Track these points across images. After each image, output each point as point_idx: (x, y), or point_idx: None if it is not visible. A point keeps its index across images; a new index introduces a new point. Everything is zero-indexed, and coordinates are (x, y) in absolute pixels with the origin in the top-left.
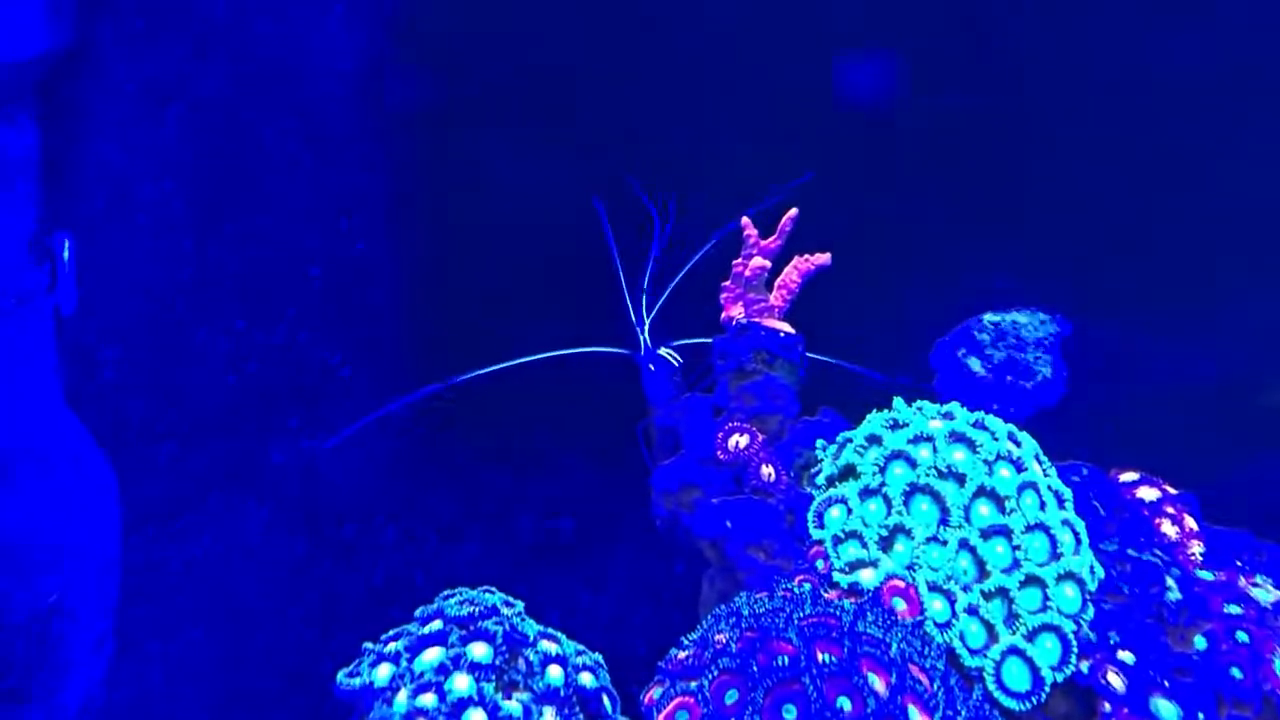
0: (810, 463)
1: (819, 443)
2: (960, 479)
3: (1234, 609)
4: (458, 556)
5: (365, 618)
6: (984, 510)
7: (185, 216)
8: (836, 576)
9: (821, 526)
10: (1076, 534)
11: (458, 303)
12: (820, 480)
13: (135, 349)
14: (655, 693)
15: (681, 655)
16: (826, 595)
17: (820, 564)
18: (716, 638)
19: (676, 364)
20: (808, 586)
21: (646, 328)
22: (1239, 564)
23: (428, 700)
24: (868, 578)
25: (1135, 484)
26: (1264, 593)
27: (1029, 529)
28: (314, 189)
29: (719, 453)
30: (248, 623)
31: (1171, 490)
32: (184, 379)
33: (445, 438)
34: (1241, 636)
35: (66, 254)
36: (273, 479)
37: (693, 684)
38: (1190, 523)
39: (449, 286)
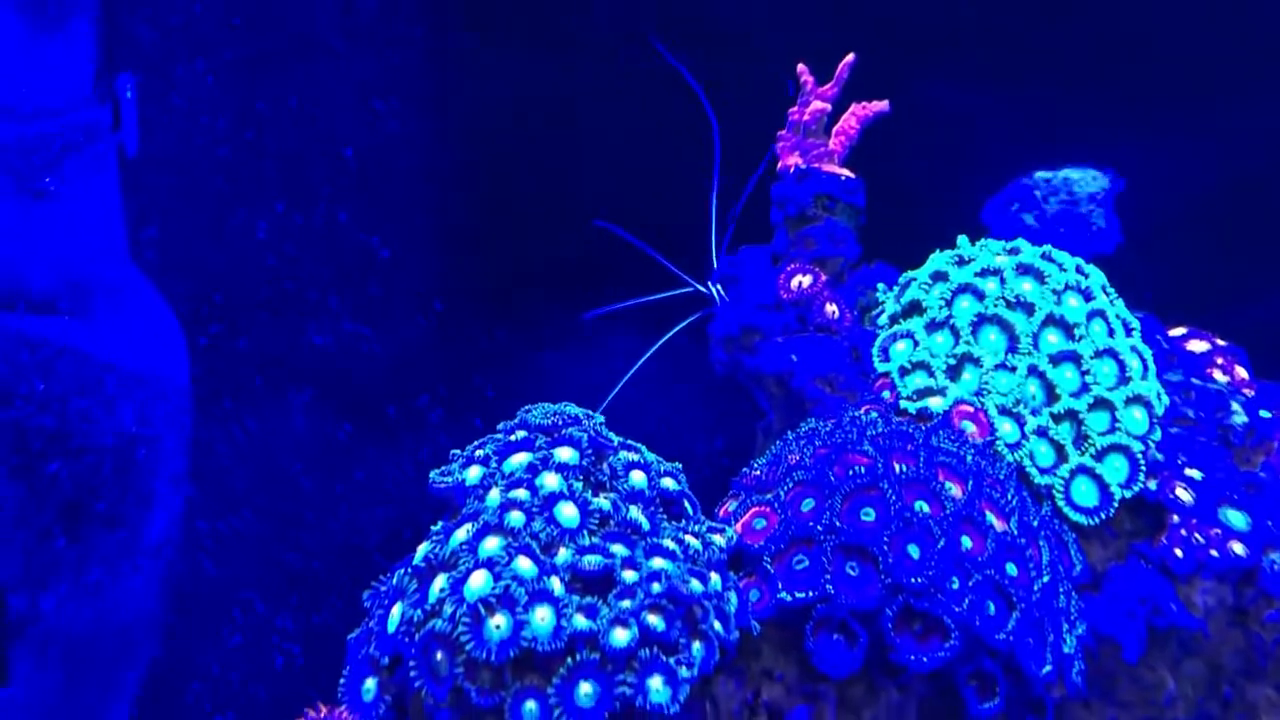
0: (871, 305)
1: (880, 285)
2: (1029, 308)
3: None
4: None
5: (411, 497)
6: (1052, 338)
7: (219, 96)
8: (904, 404)
9: (887, 360)
10: (1144, 360)
11: (496, 182)
12: (883, 320)
13: (174, 230)
14: (731, 505)
15: (755, 472)
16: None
17: (887, 395)
18: (789, 457)
19: None
20: (875, 414)
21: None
22: None
23: (520, 494)
24: (936, 404)
25: (1185, 338)
26: None
27: (1098, 354)
28: (346, 69)
29: (782, 292)
30: (295, 503)
31: (1221, 342)
32: (224, 261)
33: (486, 316)
34: None
35: (129, 95)
36: (315, 361)
37: (768, 495)
38: (1240, 372)
39: (487, 165)
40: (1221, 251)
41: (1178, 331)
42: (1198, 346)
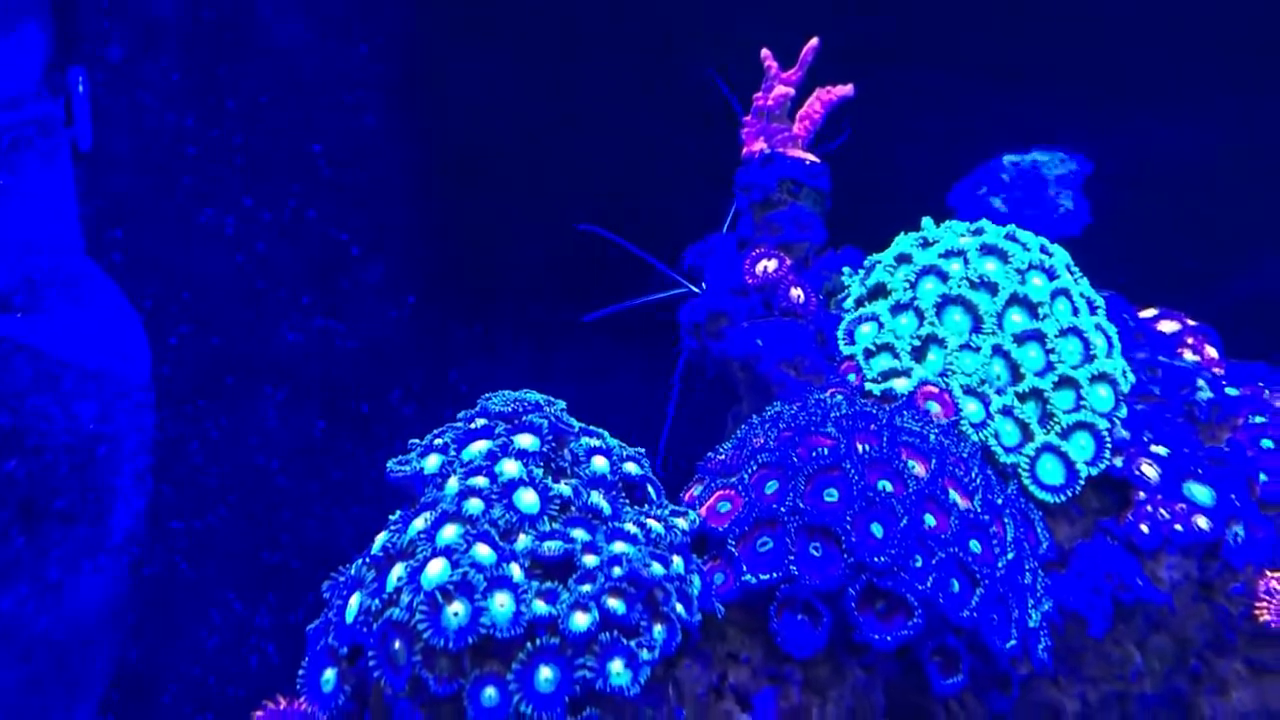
0: (837, 289)
1: (845, 269)
2: (992, 288)
3: (1259, 419)
4: None
5: (386, 493)
6: (1017, 318)
7: (186, 93)
8: (869, 386)
9: (852, 342)
10: (1109, 338)
11: (467, 179)
12: (849, 304)
13: (141, 230)
14: (696, 490)
15: (720, 457)
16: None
17: (852, 377)
18: (754, 441)
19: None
20: (840, 397)
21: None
22: (1260, 385)
23: (479, 482)
24: (901, 385)
25: (1155, 319)
26: None
27: (1062, 333)
28: (314, 64)
29: (747, 277)
30: (269, 501)
31: (1191, 322)
32: (193, 259)
33: (459, 312)
34: (1267, 444)
35: (81, 89)
36: (288, 358)
37: (732, 479)
38: (1210, 351)
39: (460, 161)
40: (1200, 232)
41: (1149, 312)
42: (1168, 327)
